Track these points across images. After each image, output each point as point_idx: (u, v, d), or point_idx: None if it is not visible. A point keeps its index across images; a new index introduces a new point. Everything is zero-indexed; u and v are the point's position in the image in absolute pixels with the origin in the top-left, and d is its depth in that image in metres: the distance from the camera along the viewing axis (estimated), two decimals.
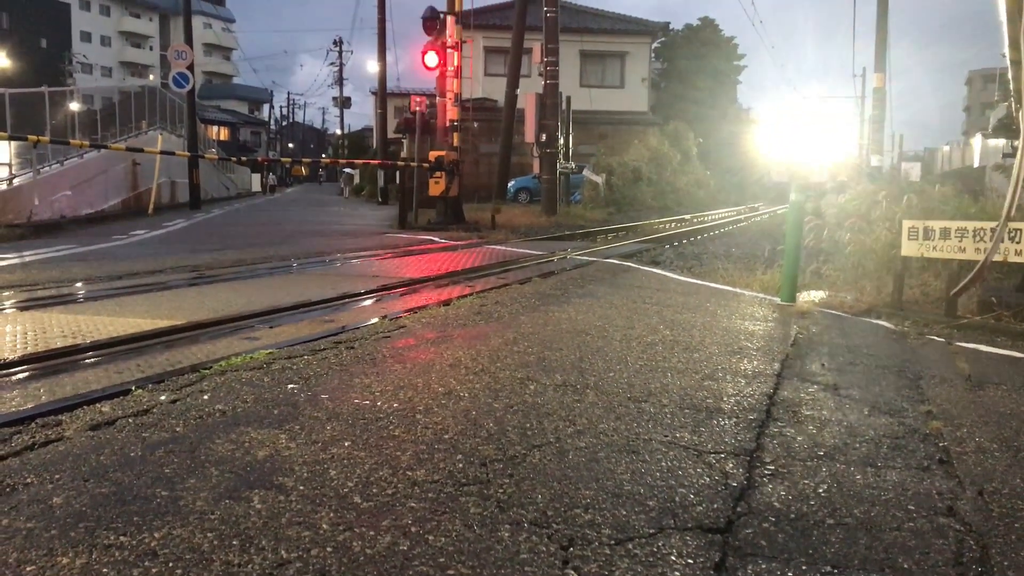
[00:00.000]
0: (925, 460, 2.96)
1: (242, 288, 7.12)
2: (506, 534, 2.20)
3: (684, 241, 14.36)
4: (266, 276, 8.20)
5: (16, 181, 14.97)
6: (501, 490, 2.49)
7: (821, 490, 2.62)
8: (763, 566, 2.09)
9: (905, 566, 2.13)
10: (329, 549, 2.07)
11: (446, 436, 2.96)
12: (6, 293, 6.53)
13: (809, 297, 7.20)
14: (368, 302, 6.51)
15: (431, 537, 2.16)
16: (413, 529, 2.20)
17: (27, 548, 2.01)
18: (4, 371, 3.85)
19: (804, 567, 2.10)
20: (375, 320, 5.44)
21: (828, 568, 2.10)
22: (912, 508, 2.51)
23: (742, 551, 2.17)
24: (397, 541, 2.13)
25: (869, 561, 2.15)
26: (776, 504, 2.50)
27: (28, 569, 1.91)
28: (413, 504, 2.36)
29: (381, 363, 4.03)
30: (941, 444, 3.16)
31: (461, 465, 2.68)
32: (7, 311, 5.57)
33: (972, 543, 2.29)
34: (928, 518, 2.44)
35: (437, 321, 5.38)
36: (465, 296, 6.58)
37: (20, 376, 3.80)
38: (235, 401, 3.30)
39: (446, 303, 6.21)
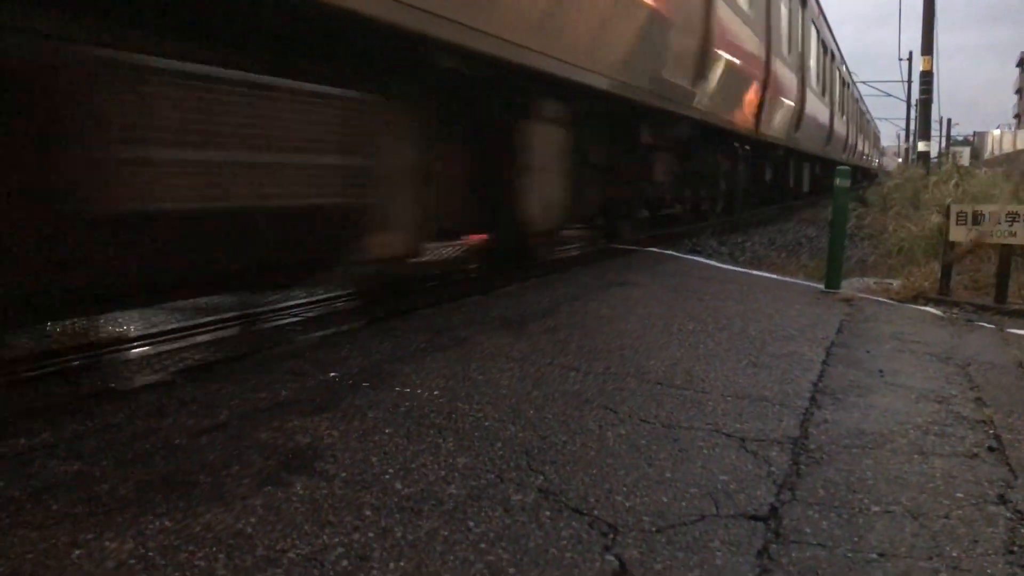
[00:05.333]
0: (974, 447, 2.90)
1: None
2: (547, 520, 2.20)
3: (725, 228, 14.20)
4: None
5: None
6: (542, 477, 2.49)
7: (867, 477, 2.58)
8: (807, 553, 2.07)
9: (954, 554, 2.09)
10: (371, 534, 2.09)
11: (486, 423, 2.97)
12: None
13: (854, 284, 7.10)
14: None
15: (472, 523, 2.17)
16: (454, 515, 2.21)
17: (76, 532, 2.05)
18: (52, 361, 3.94)
19: (849, 554, 2.07)
20: (418, 311, 5.45)
21: (874, 556, 2.06)
22: (960, 496, 2.46)
23: (786, 538, 2.15)
24: (438, 527, 2.14)
25: (916, 549, 2.11)
26: (820, 491, 2.46)
27: (77, 553, 1.95)
28: (454, 490, 2.37)
29: (422, 352, 4.04)
30: (991, 431, 3.10)
31: (501, 452, 2.69)
32: None
33: None
34: (978, 506, 2.39)
35: (477, 309, 5.38)
36: (506, 285, 6.57)
37: (66, 366, 3.89)
38: (277, 389, 3.33)
39: (485, 291, 6.21)
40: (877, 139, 41.85)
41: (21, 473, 2.42)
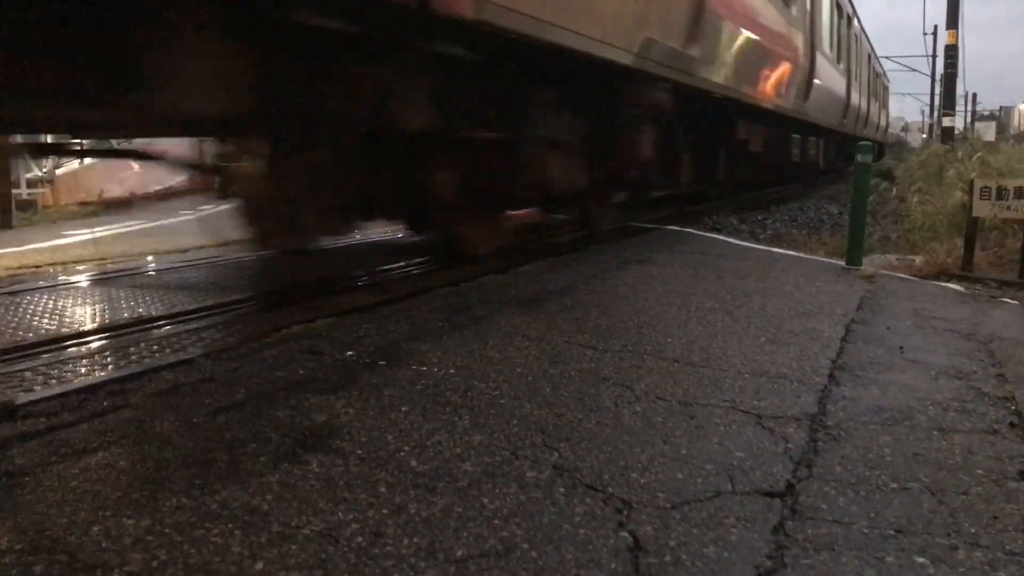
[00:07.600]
0: (995, 424, 2.87)
1: (305, 259, 7.21)
2: (561, 497, 2.20)
3: (746, 206, 14.09)
4: (328, 248, 8.29)
5: (86, 159, 15.34)
6: (556, 453, 2.49)
7: (885, 454, 2.56)
8: (823, 530, 2.05)
9: (972, 531, 2.07)
10: (385, 511, 2.09)
11: (502, 401, 2.97)
12: (79, 267, 6.74)
13: (876, 260, 7.03)
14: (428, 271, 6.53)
15: (486, 500, 2.17)
16: (468, 491, 2.22)
17: (95, 509, 2.07)
18: (75, 341, 3.97)
19: (866, 530, 2.05)
20: (434, 289, 5.45)
21: (891, 532, 2.05)
22: (980, 472, 2.44)
23: (802, 515, 2.13)
24: (452, 503, 2.14)
25: (934, 525, 2.09)
26: (838, 468, 2.45)
27: (95, 529, 1.97)
28: (468, 467, 2.37)
29: (438, 330, 4.05)
30: (1013, 408, 3.06)
31: (517, 429, 2.68)
32: (80, 284, 5.74)
33: None
34: (998, 482, 2.37)
35: (494, 288, 5.37)
36: (523, 264, 6.56)
37: (90, 346, 3.92)
38: (294, 368, 3.35)
39: (503, 271, 6.20)
40: (884, 88, 34.58)
41: (42, 451, 2.45)
